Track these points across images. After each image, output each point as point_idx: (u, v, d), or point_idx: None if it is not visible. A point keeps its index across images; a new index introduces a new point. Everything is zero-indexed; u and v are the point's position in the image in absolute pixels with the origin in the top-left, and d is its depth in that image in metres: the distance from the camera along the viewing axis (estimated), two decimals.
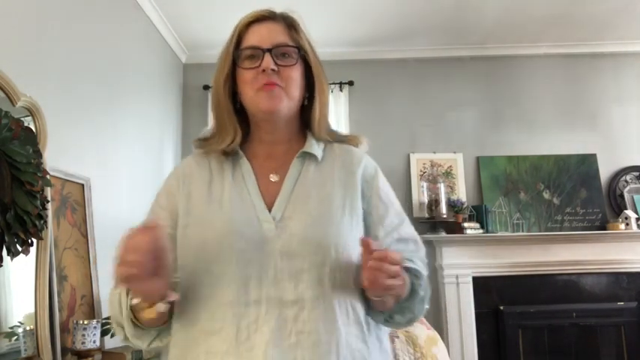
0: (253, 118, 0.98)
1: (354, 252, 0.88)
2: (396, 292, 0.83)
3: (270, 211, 0.90)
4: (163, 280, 0.78)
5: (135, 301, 0.82)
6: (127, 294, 0.84)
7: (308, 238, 0.86)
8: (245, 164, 0.96)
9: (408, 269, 0.89)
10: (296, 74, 0.95)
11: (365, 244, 0.80)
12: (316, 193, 0.92)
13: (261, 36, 0.94)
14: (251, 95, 0.93)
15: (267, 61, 0.91)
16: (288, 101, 0.94)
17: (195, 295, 0.87)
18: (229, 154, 0.96)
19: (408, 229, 0.99)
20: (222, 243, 0.86)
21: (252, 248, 0.85)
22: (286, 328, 0.82)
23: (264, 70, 0.91)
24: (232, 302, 0.83)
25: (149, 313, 0.82)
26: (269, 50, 0.92)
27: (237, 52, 0.95)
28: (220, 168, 0.96)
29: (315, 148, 0.98)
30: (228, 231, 0.87)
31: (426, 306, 0.96)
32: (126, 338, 0.88)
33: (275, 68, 0.91)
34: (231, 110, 0.97)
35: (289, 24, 0.98)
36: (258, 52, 0.93)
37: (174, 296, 0.82)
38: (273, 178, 0.95)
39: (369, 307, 0.90)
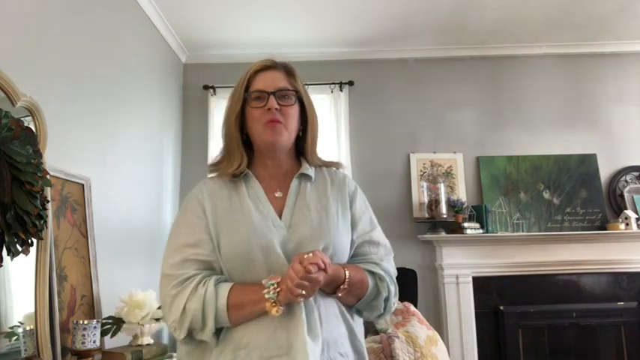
0: (258, 147, 1.21)
1: (346, 251, 1.14)
2: (309, 291, 0.98)
3: (280, 219, 1.12)
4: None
5: (280, 310, 0.99)
6: (224, 294, 1.03)
7: (314, 239, 1.08)
8: (255, 183, 1.18)
9: (372, 273, 1.14)
10: (294, 112, 1.19)
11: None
12: (314, 205, 1.15)
13: (266, 82, 1.18)
14: (258, 129, 1.16)
15: (272, 102, 1.15)
16: (288, 134, 1.18)
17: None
18: (237, 176, 1.18)
19: (379, 235, 1.23)
20: (248, 242, 1.06)
21: (271, 247, 1.06)
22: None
23: (269, 109, 1.14)
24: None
25: (277, 311, 0.99)
26: (273, 93, 1.16)
27: (247, 94, 1.18)
28: (235, 186, 1.18)
29: (309, 170, 1.22)
30: (252, 232, 1.07)
31: (394, 303, 1.18)
32: (189, 332, 1.03)
33: (278, 107, 1.15)
34: (240, 140, 1.20)
35: (288, 72, 1.22)
36: (264, 95, 1.16)
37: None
38: (278, 194, 1.18)
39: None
